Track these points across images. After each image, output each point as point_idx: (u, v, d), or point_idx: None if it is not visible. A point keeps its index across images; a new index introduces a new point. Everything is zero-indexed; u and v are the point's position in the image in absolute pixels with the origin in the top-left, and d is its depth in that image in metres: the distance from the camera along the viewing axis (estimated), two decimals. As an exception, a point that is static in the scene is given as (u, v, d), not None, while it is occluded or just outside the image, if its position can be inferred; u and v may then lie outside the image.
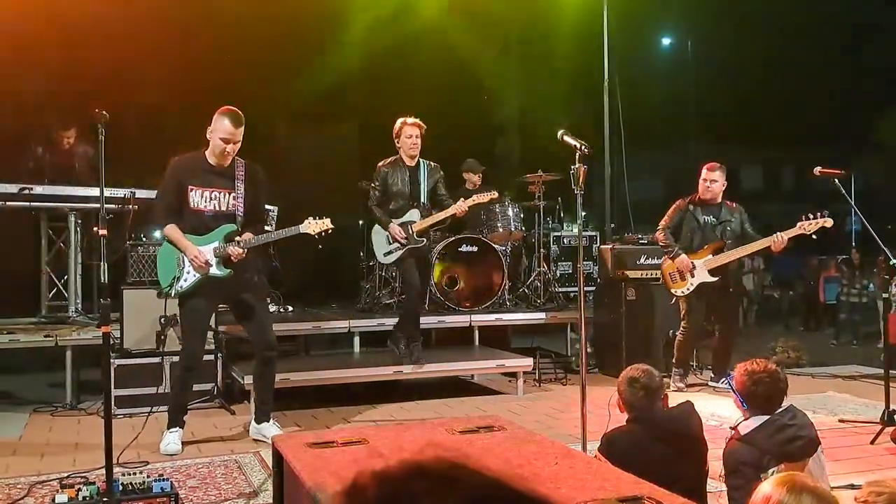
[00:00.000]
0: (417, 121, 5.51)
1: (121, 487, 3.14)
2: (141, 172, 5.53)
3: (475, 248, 6.80)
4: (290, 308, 6.82)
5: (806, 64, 9.58)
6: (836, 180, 5.07)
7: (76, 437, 4.67)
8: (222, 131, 4.14)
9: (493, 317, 6.66)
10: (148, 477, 3.25)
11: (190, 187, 4.20)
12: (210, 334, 5.35)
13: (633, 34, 8.62)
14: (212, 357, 5.37)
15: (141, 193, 5.70)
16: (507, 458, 2.32)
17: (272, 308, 6.78)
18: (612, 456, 2.75)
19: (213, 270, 4.21)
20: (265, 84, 7.70)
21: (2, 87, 6.39)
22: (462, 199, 5.49)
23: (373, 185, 5.58)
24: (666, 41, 10.53)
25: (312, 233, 4.36)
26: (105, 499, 3.06)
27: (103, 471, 3.15)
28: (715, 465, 2.93)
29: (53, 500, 3.10)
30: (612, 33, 7.56)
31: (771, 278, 11.79)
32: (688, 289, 5.75)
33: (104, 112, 3.34)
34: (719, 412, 5.17)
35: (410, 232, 5.44)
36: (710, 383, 5.94)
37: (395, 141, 5.51)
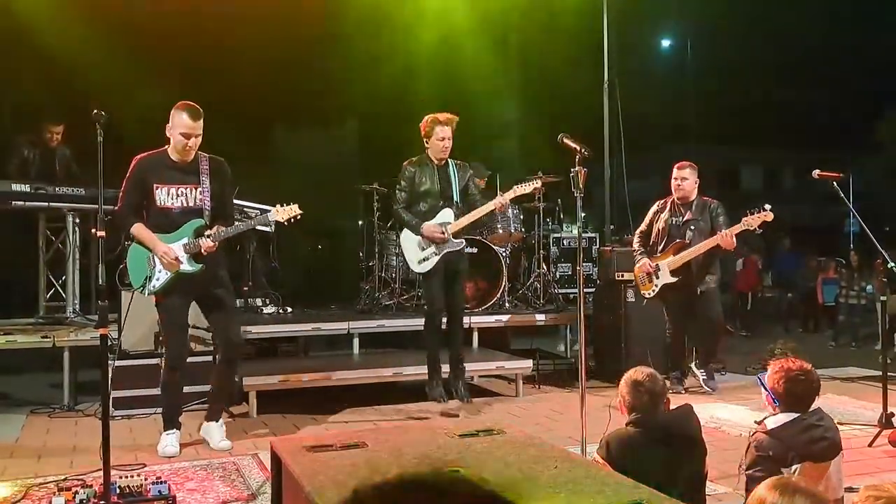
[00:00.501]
0: (450, 116, 5.13)
1: (118, 490, 3.14)
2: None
3: (475, 250, 6.79)
4: (290, 309, 6.81)
5: (805, 66, 9.58)
6: (835, 183, 5.07)
7: (73, 438, 4.65)
8: (182, 126, 4.10)
9: (492, 318, 6.65)
10: (145, 479, 3.25)
11: (155, 185, 4.17)
12: (208, 335, 5.35)
13: (632, 36, 8.62)
14: (209, 358, 5.36)
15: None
16: (507, 462, 2.31)
17: (271, 309, 6.78)
18: (611, 458, 2.74)
19: (185, 266, 4.18)
20: (264, 85, 7.69)
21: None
22: (500, 192, 5.17)
23: (398, 185, 5.21)
24: (665, 43, 10.53)
25: (282, 219, 4.32)
26: (102, 502, 3.05)
27: (101, 473, 3.13)
28: (725, 467, 2.92)
29: (50, 502, 3.09)
30: (611, 35, 7.56)
31: (770, 280, 11.79)
32: (653, 291, 5.88)
33: (103, 112, 3.33)
34: (718, 414, 5.16)
35: (447, 234, 5.13)
36: (693, 368, 5.97)
37: (424, 140, 5.17)
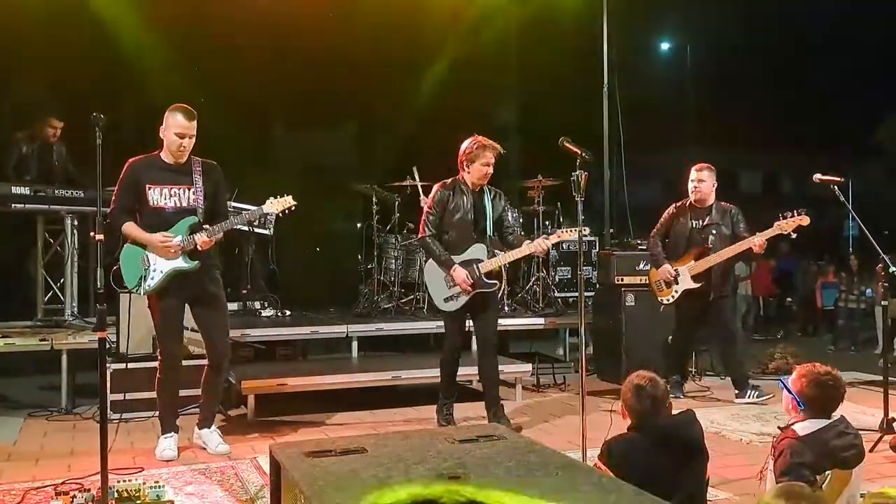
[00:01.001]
0: (496, 146, 4.64)
1: (116, 494, 3.12)
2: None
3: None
4: (288, 312, 6.80)
5: (804, 69, 9.59)
6: (835, 187, 5.07)
7: (71, 442, 4.63)
8: (176, 126, 4.11)
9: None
10: (144, 483, 3.23)
11: (148, 186, 4.16)
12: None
13: (632, 40, 8.62)
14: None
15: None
16: (507, 467, 2.30)
17: (269, 312, 6.76)
18: (612, 464, 2.73)
19: (180, 263, 4.17)
20: (263, 86, 7.68)
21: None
22: (544, 235, 4.70)
23: (428, 209, 4.67)
24: (665, 46, 10.55)
25: (276, 211, 4.31)
26: (100, 506, 3.03)
27: (98, 477, 3.11)
28: (726, 472, 2.91)
29: (48, 507, 3.07)
30: (611, 39, 7.56)
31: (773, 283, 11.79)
32: (672, 296, 5.72)
33: (101, 115, 3.31)
34: (719, 420, 5.15)
35: (477, 274, 4.60)
36: (736, 401, 5.66)
37: (462, 164, 4.65)
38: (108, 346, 4.90)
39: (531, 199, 7.31)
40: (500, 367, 5.64)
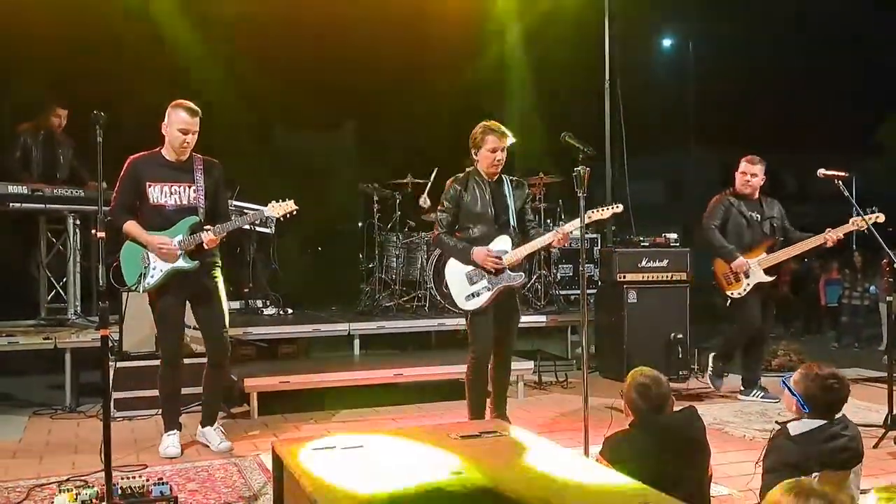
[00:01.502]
0: (506, 131, 4.33)
1: (120, 491, 3.13)
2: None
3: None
4: (290, 310, 6.80)
5: (808, 66, 9.57)
6: (839, 182, 5.06)
7: (75, 439, 4.64)
8: (179, 122, 4.12)
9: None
10: (147, 480, 3.24)
11: (148, 183, 4.16)
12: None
13: (634, 36, 8.61)
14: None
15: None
16: (510, 463, 2.30)
17: (271, 311, 6.77)
18: (613, 459, 2.73)
19: (180, 263, 4.17)
20: (264, 86, 7.69)
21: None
22: (562, 222, 4.46)
23: (440, 206, 4.45)
24: (667, 43, 10.53)
25: (277, 215, 4.29)
26: (104, 502, 3.04)
27: (102, 474, 3.12)
28: (729, 468, 2.91)
29: (52, 503, 3.08)
30: (612, 35, 7.55)
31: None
32: (744, 290, 5.49)
33: (102, 113, 3.32)
34: (722, 416, 5.15)
35: (502, 266, 4.32)
36: (739, 396, 5.66)
37: (473, 153, 4.38)
38: (110, 344, 4.91)
39: (532, 196, 7.30)
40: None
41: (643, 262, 6.51)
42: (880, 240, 4.74)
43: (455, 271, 4.35)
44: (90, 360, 5.35)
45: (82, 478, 3.74)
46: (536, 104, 8.94)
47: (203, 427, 4.46)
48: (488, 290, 4.29)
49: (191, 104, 4.18)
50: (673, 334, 6.36)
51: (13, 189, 5.78)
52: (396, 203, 7.24)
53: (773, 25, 9.43)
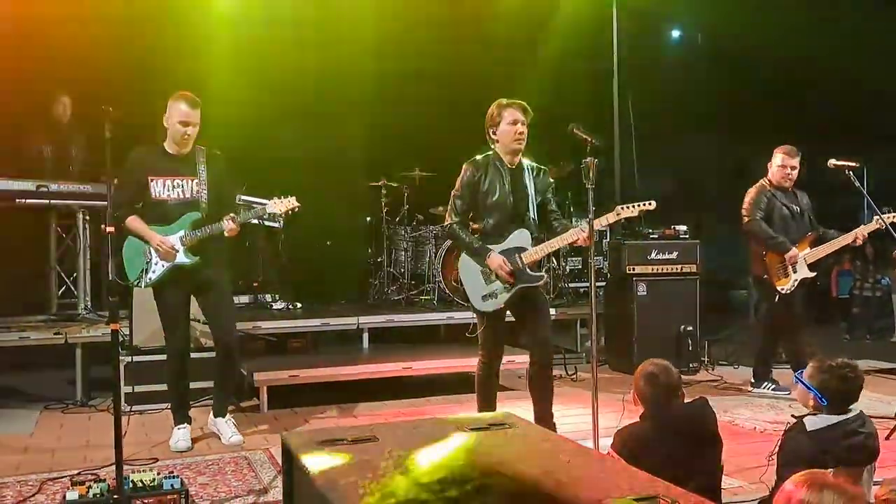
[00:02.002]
0: (521, 102, 4.01)
1: (131, 484, 3.14)
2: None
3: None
4: (299, 304, 6.82)
5: (818, 55, 9.46)
6: (850, 172, 5.01)
7: (87, 434, 4.67)
8: (180, 115, 4.08)
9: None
10: (158, 474, 3.25)
11: (150, 178, 4.14)
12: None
13: (642, 26, 8.54)
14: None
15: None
16: (519, 456, 2.29)
17: (280, 305, 6.78)
18: (624, 452, 2.72)
19: (181, 258, 4.16)
20: (270, 82, 7.68)
21: (6, 80, 6.39)
22: (583, 219, 4.07)
23: (455, 191, 4.06)
24: (676, 33, 10.46)
25: (279, 211, 4.25)
26: (115, 496, 3.06)
27: (114, 468, 3.14)
28: (740, 460, 2.89)
29: (64, 497, 3.10)
30: (621, 26, 7.50)
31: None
32: (791, 285, 5.32)
33: (111, 109, 3.32)
34: (732, 408, 5.13)
35: (521, 265, 3.94)
36: (751, 388, 5.61)
37: (490, 132, 4.04)
38: (121, 338, 4.94)
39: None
40: (511, 358, 5.45)
41: (652, 255, 6.49)
42: (892, 230, 4.70)
43: (470, 266, 4.03)
44: (101, 354, 5.38)
45: (94, 471, 3.77)
46: (545, 95, 8.89)
47: (215, 416, 4.47)
48: (506, 290, 3.95)
49: (191, 95, 4.14)
50: (682, 326, 6.34)
51: (19, 185, 5.80)
52: (404, 197, 7.23)
53: (784, 13, 9.34)
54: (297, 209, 4.26)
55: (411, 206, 7.31)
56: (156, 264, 4.18)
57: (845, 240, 5.29)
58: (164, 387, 4.63)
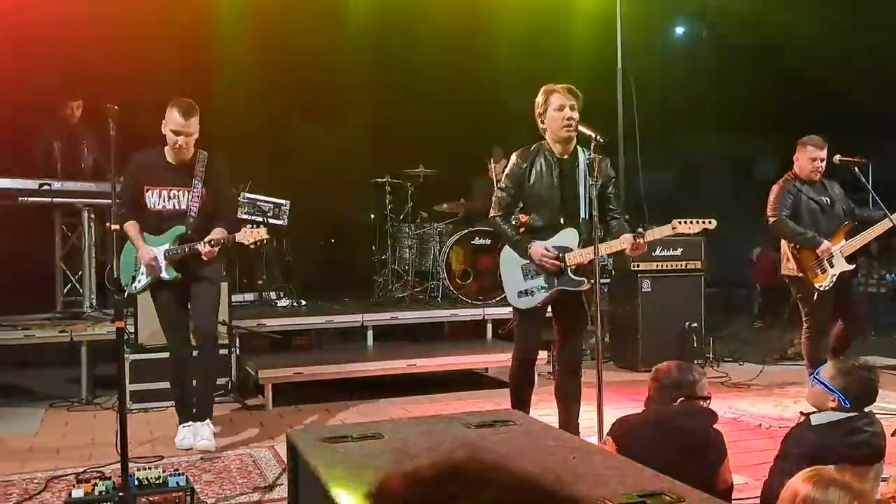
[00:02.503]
0: (569, 85, 3.73)
1: (136, 482, 3.15)
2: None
3: (488, 241, 6.77)
4: (303, 302, 6.82)
5: (825, 51, 9.43)
6: (856, 168, 4.99)
7: (92, 431, 4.68)
8: (172, 123, 3.94)
9: (506, 309, 6.58)
10: (163, 471, 3.26)
11: (146, 188, 4.05)
12: (223, 329, 5.36)
13: (647, 23, 8.51)
14: (225, 352, 5.38)
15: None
16: (524, 452, 2.29)
17: (285, 302, 6.79)
18: (618, 441, 2.73)
19: (163, 273, 4.09)
20: (276, 78, 7.68)
21: (14, 80, 6.39)
22: (641, 226, 3.81)
23: (500, 184, 3.87)
24: (680, 30, 10.42)
25: (246, 242, 3.98)
26: (121, 493, 3.07)
27: (119, 465, 3.14)
28: (745, 457, 2.87)
29: (70, 494, 3.11)
30: (625, 22, 7.47)
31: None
32: (830, 281, 4.95)
33: (115, 106, 3.33)
34: (737, 405, 5.12)
35: (563, 266, 3.69)
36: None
37: (539, 121, 3.78)
38: (126, 336, 4.94)
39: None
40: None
41: (657, 251, 6.47)
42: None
43: (510, 260, 3.80)
44: (106, 352, 5.38)
45: (99, 469, 3.77)
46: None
47: (194, 421, 4.23)
48: (544, 290, 3.70)
49: (186, 103, 3.96)
50: (687, 323, 6.33)
51: (21, 183, 5.80)
52: (409, 194, 7.23)
53: (789, 9, 9.31)
54: (265, 241, 4.05)
55: (415, 203, 7.30)
56: (142, 274, 4.15)
57: (883, 226, 4.89)
58: (168, 384, 4.64)
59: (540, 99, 3.76)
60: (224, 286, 5.36)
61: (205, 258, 4.02)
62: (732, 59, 9.78)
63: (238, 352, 5.56)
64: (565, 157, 3.76)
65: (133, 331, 5.27)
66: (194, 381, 4.31)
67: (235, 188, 6.22)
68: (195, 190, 4.08)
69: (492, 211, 3.83)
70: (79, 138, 6.41)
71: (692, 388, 2.83)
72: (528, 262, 3.73)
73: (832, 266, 4.96)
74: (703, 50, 9.93)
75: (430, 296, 7.00)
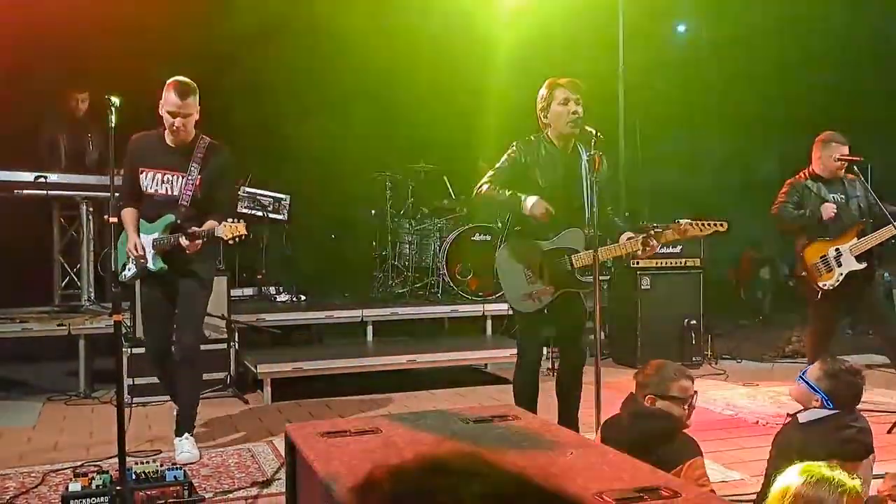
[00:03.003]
0: (573, 80, 3.63)
1: (134, 476, 3.15)
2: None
3: (488, 237, 6.76)
4: (303, 297, 6.82)
5: (824, 49, 9.42)
6: (855, 167, 4.97)
7: (90, 425, 4.68)
8: (169, 104, 3.76)
9: (506, 305, 6.61)
10: (161, 465, 3.26)
11: (141, 170, 3.89)
12: (222, 323, 5.36)
13: (648, 20, 8.50)
14: (224, 346, 5.38)
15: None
16: (522, 448, 2.29)
17: (284, 297, 6.78)
18: (603, 438, 2.76)
19: (150, 264, 3.92)
20: (279, 73, 7.67)
21: (16, 73, 6.37)
22: (651, 229, 3.62)
23: (495, 168, 3.69)
24: (681, 28, 10.41)
25: (225, 237, 3.75)
26: (118, 487, 3.06)
27: (116, 459, 3.14)
28: (742, 454, 2.88)
29: (67, 488, 3.11)
30: (626, 20, 7.45)
31: (788, 269, 11.66)
32: (837, 280, 4.77)
33: (114, 98, 3.31)
34: (735, 402, 5.12)
35: (570, 267, 3.60)
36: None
37: (541, 116, 3.66)
38: (124, 330, 4.93)
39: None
40: (516, 351, 5.48)
41: (657, 248, 6.46)
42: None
43: (510, 264, 3.67)
44: (104, 346, 5.38)
45: (97, 463, 3.78)
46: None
47: (176, 436, 4.04)
48: (548, 294, 3.65)
49: (182, 83, 3.78)
50: (686, 320, 6.33)
51: (17, 176, 5.78)
52: (409, 190, 7.22)
53: (789, 8, 9.29)
54: (243, 237, 3.80)
55: (416, 199, 7.30)
56: (132, 262, 4.01)
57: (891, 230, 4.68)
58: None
59: (544, 92, 3.65)
60: (223, 280, 5.35)
61: (188, 251, 3.82)
62: (734, 58, 9.76)
63: (237, 346, 5.55)
64: (569, 150, 3.69)
65: (131, 324, 5.26)
66: (179, 390, 4.17)
67: (236, 183, 6.21)
68: (190, 176, 3.88)
69: (478, 185, 3.67)
70: (84, 132, 6.40)
71: (659, 387, 2.74)
72: (532, 265, 3.66)
73: (840, 265, 4.80)
74: (705, 48, 9.91)
75: (430, 291, 6.99)
